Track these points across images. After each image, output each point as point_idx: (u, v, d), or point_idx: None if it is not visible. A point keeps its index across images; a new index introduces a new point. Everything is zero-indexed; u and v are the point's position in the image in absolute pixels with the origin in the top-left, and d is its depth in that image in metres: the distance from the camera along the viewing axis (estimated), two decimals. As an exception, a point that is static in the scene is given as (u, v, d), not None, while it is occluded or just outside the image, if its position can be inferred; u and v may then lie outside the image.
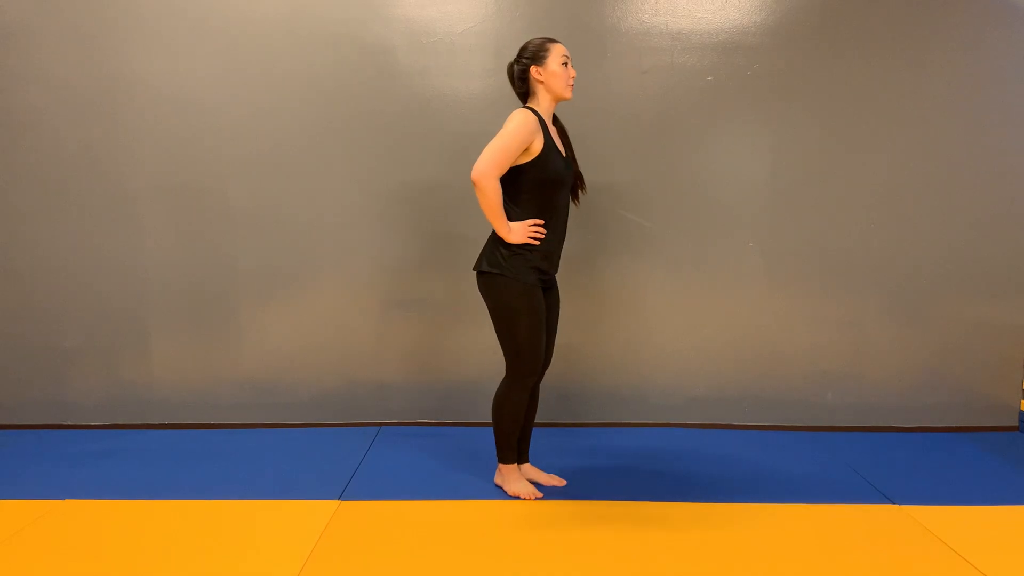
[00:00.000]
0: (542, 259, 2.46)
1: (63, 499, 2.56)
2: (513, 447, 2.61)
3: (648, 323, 3.37)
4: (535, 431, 3.12)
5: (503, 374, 2.55)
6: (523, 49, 2.48)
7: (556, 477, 2.72)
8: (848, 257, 3.33)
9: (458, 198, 3.27)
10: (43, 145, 3.25)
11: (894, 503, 2.57)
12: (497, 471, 2.69)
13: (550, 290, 2.60)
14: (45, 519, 2.41)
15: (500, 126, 3.27)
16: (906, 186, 3.30)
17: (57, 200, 3.28)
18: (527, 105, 2.49)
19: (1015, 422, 3.43)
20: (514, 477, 2.63)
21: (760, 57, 3.22)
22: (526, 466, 2.73)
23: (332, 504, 2.52)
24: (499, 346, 2.54)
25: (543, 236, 2.43)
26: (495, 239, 2.45)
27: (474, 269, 2.51)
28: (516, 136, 2.33)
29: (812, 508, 2.52)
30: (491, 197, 2.32)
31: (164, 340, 3.36)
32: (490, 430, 3.26)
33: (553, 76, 2.43)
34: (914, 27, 3.21)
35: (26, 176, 3.27)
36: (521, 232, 2.40)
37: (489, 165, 2.31)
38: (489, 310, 2.49)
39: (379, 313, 3.35)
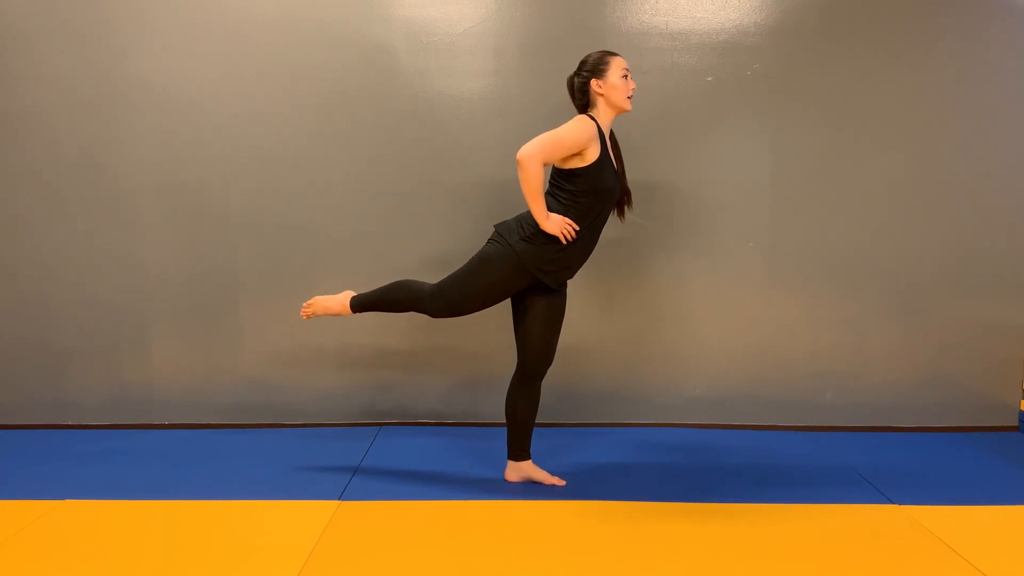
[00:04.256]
0: (557, 263, 2.48)
1: (63, 499, 2.56)
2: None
3: (648, 323, 3.37)
4: (535, 431, 3.12)
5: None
6: (583, 63, 2.52)
7: (555, 478, 2.72)
8: (848, 257, 3.33)
9: (458, 198, 3.27)
10: (42, 145, 3.25)
11: (894, 503, 2.57)
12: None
13: (558, 292, 2.60)
14: (45, 519, 2.41)
15: (500, 126, 3.28)
16: (906, 186, 3.30)
17: (56, 200, 3.28)
18: (588, 114, 2.51)
19: (1015, 422, 3.43)
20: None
21: (760, 57, 3.21)
22: (526, 464, 2.73)
23: (332, 504, 2.52)
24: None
25: (573, 238, 2.45)
26: (527, 219, 2.48)
27: (495, 225, 2.57)
28: (572, 135, 2.38)
29: (812, 508, 2.52)
30: (532, 179, 2.35)
31: (164, 340, 3.36)
32: (490, 430, 3.27)
33: (613, 89, 2.47)
34: (915, 27, 3.21)
35: (25, 176, 3.27)
36: (558, 224, 2.42)
37: (537, 148, 2.35)
38: (473, 256, 2.55)
39: (379, 313, 3.35)
